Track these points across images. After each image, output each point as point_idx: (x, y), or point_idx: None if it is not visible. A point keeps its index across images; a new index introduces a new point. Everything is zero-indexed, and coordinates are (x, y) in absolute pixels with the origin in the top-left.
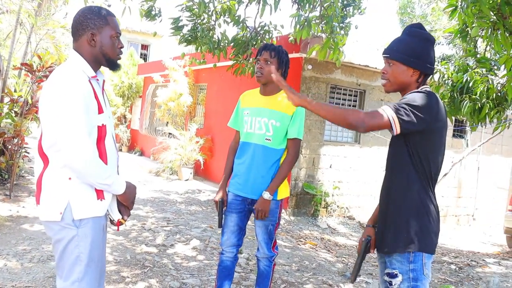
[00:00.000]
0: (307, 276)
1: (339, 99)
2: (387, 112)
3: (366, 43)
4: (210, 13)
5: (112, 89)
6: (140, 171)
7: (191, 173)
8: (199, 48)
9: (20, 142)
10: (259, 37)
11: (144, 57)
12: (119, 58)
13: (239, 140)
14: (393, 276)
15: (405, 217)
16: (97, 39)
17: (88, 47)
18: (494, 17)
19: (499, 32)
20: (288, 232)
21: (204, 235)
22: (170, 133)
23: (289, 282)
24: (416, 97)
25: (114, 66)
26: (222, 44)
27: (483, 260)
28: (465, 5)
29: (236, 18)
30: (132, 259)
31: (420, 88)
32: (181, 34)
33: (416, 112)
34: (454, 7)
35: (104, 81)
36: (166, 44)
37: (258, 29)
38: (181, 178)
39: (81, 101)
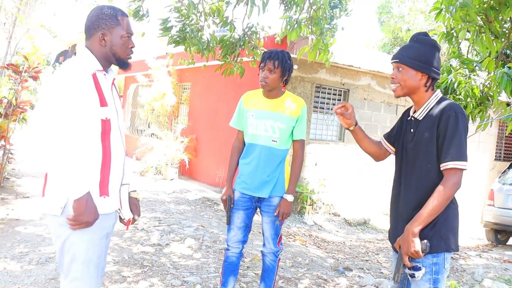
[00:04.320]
0: (302, 272)
1: (324, 98)
2: (460, 165)
3: (349, 43)
4: (199, 14)
5: None
6: None
7: (176, 173)
8: (188, 48)
9: (4, 144)
10: (246, 38)
11: None
12: (130, 58)
13: (243, 140)
14: (417, 269)
15: (443, 217)
16: (107, 39)
17: (98, 46)
18: (481, 21)
19: (485, 35)
20: None
21: (198, 233)
22: (153, 133)
23: (286, 278)
24: (462, 132)
25: (124, 65)
26: (211, 45)
27: (465, 253)
28: (454, 10)
29: (224, 19)
30: (130, 259)
31: (434, 95)
32: (170, 35)
33: (465, 141)
34: (439, 10)
35: (114, 79)
36: (146, 43)
37: (246, 30)
38: (166, 178)
39: (68, 93)
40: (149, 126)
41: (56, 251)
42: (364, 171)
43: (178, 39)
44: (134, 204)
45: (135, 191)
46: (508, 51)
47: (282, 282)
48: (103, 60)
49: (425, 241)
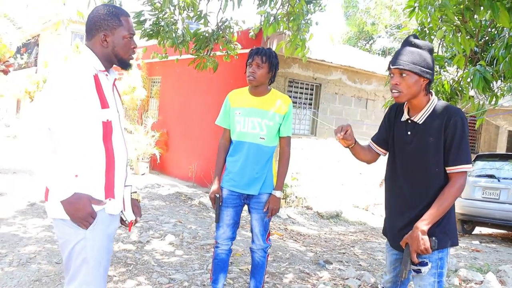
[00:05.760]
0: (284, 266)
1: (297, 92)
2: (467, 168)
3: (320, 37)
4: (173, 8)
5: None
6: None
7: (147, 167)
8: (162, 42)
9: None
10: (220, 32)
11: None
12: (131, 58)
13: (230, 139)
14: (424, 264)
15: (447, 215)
16: (109, 40)
17: (100, 47)
18: (458, 21)
19: (460, 34)
20: None
21: (177, 230)
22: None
23: (270, 273)
24: (467, 136)
25: (125, 65)
26: (185, 38)
27: None
28: (432, 10)
29: (199, 13)
30: (113, 257)
31: (432, 99)
32: (143, 28)
33: (468, 143)
34: (412, 8)
35: (115, 79)
36: None
37: (220, 24)
38: (137, 173)
39: (67, 95)
40: None
41: (64, 255)
42: (335, 165)
43: (151, 32)
44: (136, 206)
45: (136, 192)
46: (476, 49)
47: (267, 277)
48: (105, 61)
49: (434, 238)
